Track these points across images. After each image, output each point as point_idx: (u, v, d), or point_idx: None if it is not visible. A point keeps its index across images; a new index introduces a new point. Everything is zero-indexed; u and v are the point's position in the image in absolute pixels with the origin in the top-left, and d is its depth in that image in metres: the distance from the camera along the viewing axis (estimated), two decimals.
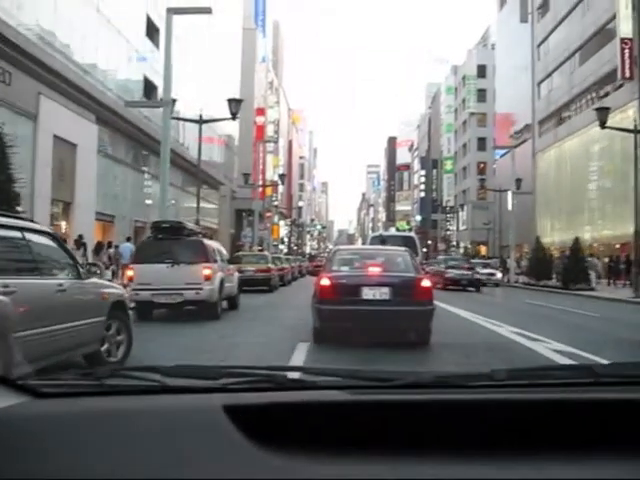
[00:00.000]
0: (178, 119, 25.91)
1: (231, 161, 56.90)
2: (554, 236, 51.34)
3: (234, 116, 24.02)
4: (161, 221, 14.37)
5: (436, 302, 10.25)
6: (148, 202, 34.77)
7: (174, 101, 23.45)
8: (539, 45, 57.34)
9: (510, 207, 56.75)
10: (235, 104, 23.88)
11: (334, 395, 1.34)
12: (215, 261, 14.03)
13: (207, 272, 13.17)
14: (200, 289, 13.05)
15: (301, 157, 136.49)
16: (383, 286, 9.56)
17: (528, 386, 1.44)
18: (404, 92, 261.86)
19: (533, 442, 1.25)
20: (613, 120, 28.64)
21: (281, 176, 44.35)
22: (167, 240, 13.56)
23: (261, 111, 77.84)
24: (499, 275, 38.57)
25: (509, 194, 56.72)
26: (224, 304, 15.87)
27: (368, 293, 9.49)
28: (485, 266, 39.78)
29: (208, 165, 46.41)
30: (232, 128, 63.69)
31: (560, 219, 51.72)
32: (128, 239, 26.25)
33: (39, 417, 1.26)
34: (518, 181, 44.04)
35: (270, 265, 25.47)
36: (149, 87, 34.00)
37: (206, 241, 14.17)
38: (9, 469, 1.13)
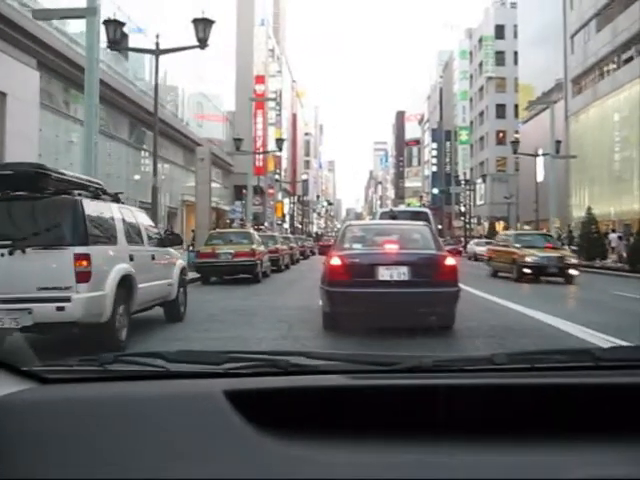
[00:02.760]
0: (130, 49, 19.24)
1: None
2: (594, 208, 44.54)
3: (202, 43, 17.49)
4: None
5: None
6: (136, 177, 28.97)
7: (120, 24, 17.00)
8: None
9: (541, 177, 50.27)
10: (203, 26, 17.35)
11: (335, 380, 1.33)
12: (112, 242, 7.49)
13: (83, 265, 6.52)
14: (66, 300, 6.42)
15: (306, 134, 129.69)
16: (401, 265, 8.65)
17: (528, 370, 1.42)
18: (413, 64, 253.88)
19: (532, 426, 1.24)
20: None
21: (278, 140, 37.51)
22: (5, 202, 6.83)
23: (261, 79, 71.30)
24: None
25: (538, 162, 50.20)
26: (159, 311, 9.46)
27: (384, 273, 8.57)
28: None
29: (211, 143, 40.79)
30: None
31: (602, 188, 44.87)
32: None
33: (44, 403, 1.27)
34: (558, 143, 37.37)
35: (255, 247, 18.84)
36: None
37: (89, 202, 7.15)
38: (15, 454, 1.14)
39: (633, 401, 1.27)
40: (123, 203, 8.59)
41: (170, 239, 9.69)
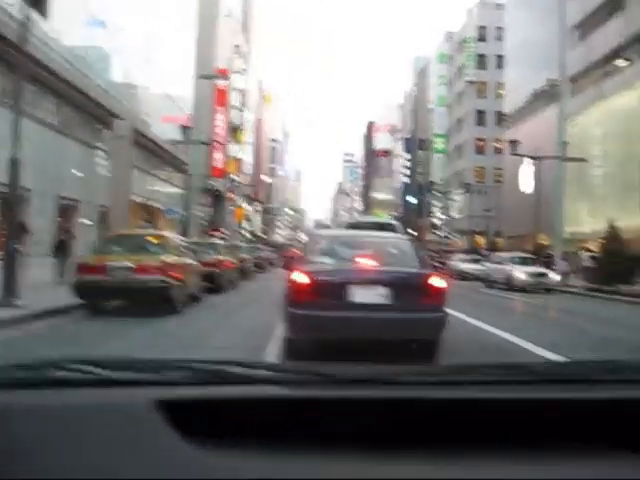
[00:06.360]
0: None
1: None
2: (591, 223, 38.87)
3: None
4: None
5: None
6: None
7: None
8: None
9: (524, 187, 44.36)
10: None
11: (272, 390, 1.33)
12: None
13: None
14: None
15: (273, 140, 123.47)
16: (380, 285, 7.59)
17: (464, 383, 1.42)
18: (386, 74, 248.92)
19: (466, 440, 1.22)
20: None
21: (234, 130, 31.33)
22: None
23: (224, 72, 64.86)
24: (555, 276, 25.98)
25: (526, 172, 44.41)
26: None
27: (360, 294, 7.52)
28: (527, 262, 27.27)
29: (173, 147, 34.81)
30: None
31: (603, 201, 39.21)
32: None
33: None
34: (564, 144, 31.62)
35: (168, 258, 12.24)
36: None
37: None
38: None
39: (566, 416, 1.26)
40: None
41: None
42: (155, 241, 13.22)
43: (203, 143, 34.43)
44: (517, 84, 57.11)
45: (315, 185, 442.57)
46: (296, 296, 7.61)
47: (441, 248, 61.88)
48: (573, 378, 1.51)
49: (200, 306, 14.53)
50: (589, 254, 30.08)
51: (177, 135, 35.63)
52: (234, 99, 68.01)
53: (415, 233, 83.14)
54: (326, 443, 1.18)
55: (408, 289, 7.73)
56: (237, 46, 75.96)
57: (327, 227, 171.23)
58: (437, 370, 1.49)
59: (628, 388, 1.43)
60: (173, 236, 15.25)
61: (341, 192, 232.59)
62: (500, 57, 67.01)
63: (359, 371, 1.49)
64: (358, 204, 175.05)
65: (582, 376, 1.54)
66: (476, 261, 36.77)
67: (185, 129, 29.80)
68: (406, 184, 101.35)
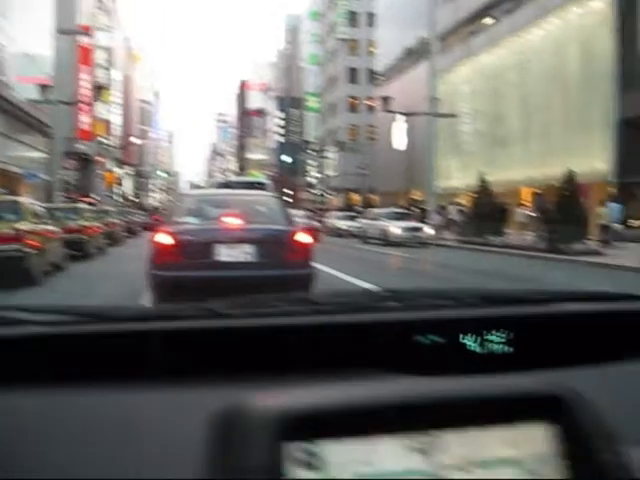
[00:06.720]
0: None
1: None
2: (462, 178, 39.81)
3: None
4: None
5: None
6: None
7: None
8: None
9: (400, 144, 44.77)
10: None
11: (28, 329, 1.25)
12: None
13: None
14: None
15: (142, 101, 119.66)
16: (245, 243, 7.61)
17: (249, 316, 1.40)
18: (258, 33, 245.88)
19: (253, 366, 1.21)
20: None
21: (99, 89, 29.81)
22: None
23: (86, 29, 61.67)
24: (428, 230, 26.36)
25: (394, 128, 44.68)
26: None
27: (224, 253, 7.52)
28: (402, 217, 27.53)
29: (35, 109, 32.54)
30: None
31: (474, 156, 40.16)
32: None
33: None
34: (435, 100, 31.98)
35: (23, 225, 11.00)
36: None
37: None
38: None
39: (345, 339, 1.31)
40: None
41: None
42: (8, 207, 12.12)
43: (65, 103, 32.64)
44: (389, 42, 57.47)
45: (189, 147, 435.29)
46: (160, 258, 7.50)
47: (317, 206, 62.24)
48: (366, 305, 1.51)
49: (63, 275, 13.60)
50: (458, 208, 30.82)
51: (40, 96, 33.64)
52: (99, 57, 65.07)
53: (291, 192, 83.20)
54: (85, 379, 1.11)
55: (274, 246, 7.79)
56: (100, 1, 72.63)
57: (201, 188, 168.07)
58: (216, 306, 1.37)
59: (412, 311, 1.46)
60: (29, 201, 14.08)
61: (215, 153, 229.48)
62: (372, 15, 67.19)
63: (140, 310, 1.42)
64: (233, 165, 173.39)
65: (371, 302, 1.54)
66: (352, 218, 36.99)
67: (44, 88, 27.98)
68: (281, 143, 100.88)
